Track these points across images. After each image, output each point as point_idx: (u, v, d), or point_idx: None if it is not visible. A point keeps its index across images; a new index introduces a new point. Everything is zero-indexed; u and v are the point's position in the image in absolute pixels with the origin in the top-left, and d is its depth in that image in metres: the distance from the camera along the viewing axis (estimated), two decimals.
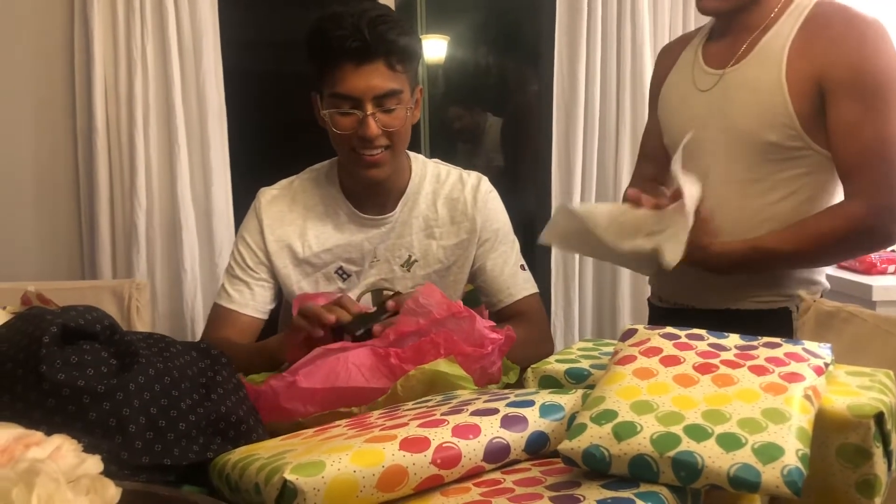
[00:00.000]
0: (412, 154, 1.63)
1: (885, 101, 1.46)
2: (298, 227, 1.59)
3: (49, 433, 0.78)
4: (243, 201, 2.38)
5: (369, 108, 1.44)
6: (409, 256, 1.60)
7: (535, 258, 2.80)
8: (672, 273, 1.58)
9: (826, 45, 1.47)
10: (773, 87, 1.50)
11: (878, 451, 0.84)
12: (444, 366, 1.08)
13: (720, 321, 1.39)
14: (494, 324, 1.22)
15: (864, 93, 1.45)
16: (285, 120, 2.98)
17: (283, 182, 1.65)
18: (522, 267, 1.65)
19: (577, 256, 2.77)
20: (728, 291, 1.60)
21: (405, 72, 1.48)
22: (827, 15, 1.51)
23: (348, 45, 1.42)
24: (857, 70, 1.45)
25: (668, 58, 1.78)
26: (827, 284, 1.69)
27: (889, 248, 1.64)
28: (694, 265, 1.50)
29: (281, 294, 1.62)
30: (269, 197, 1.62)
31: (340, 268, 1.59)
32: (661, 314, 1.74)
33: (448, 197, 1.62)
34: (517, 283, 1.62)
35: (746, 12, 1.56)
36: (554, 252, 2.80)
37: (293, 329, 1.30)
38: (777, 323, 1.60)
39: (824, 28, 1.49)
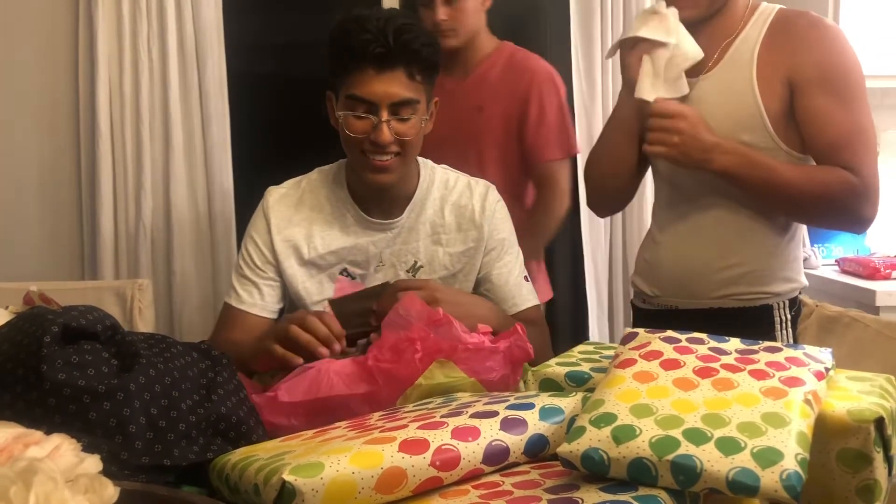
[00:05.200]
0: (421, 159, 1.63)
1: (854, 94, 1.55)
2: (305, 228, 1.59)
3: (49, 432, 0.78)
4: (245, 203, 2.39)
5: (384, 115, 1.44)
6: (415, 262, 1.60)
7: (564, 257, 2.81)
8: (658, 266, 1.71)
9: (793, 47, 1.56)
10: (745, 88, 1.57)
11: (879, 456, 0.84)
12: (439, 376, 1.09)
13: (704, 321, 1.40)
14: (490, 329, 1.22)
15: (834, 87, 1.54)
16: (288, 123, 2.99)
17: (291, 181, 1.65)
18: (526, 278, 1.65)
19: (596, 260, 2.76)
20: (711, 284, 1.63)
21: (424, 82, 1.48)
22: (791, 19, 1.60)
23: (371, 50, 1.41)
24: (826, 67, 1.54)
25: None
26: (806, 282, 1.71)
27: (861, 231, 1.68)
28: (692, 161, 1.55)
29: (288, 294, 1.62)
30: (277, 196, 1.62)
31: (345, 270, 1.59)
32: (646, 316, 1.75)
33: (456, 204, 1.62)
34: (522, 293, 1.62)
35: (716, 21, 1.62)
36: (586, 260, 2.79)
37: (271, 352, 1.29)
38: (759, 320, 1.63)
39: (790, 31, 1.58)
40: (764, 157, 1.55)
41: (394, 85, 1.43)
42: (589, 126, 2.73)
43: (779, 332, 1.64)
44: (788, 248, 1.66)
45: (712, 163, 1.53)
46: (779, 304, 1.64)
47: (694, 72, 1.63)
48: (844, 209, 1.58)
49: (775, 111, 1.56)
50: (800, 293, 1.69)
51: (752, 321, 1.62)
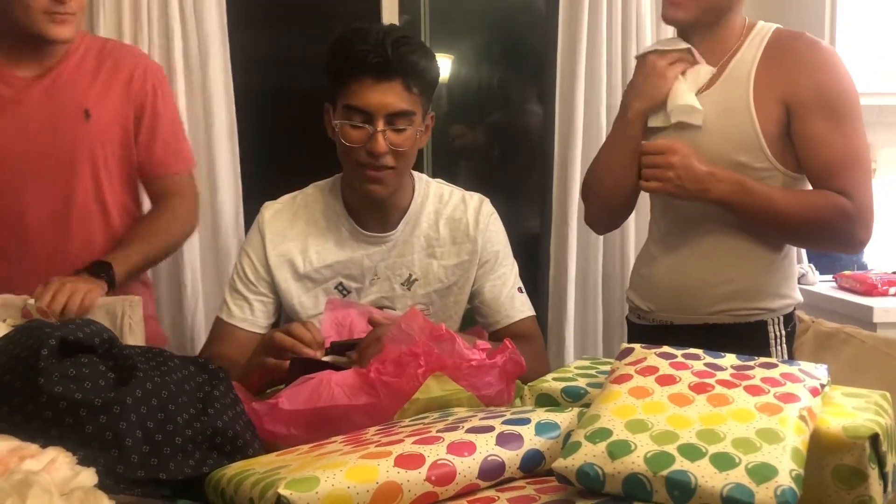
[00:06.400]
0: (416, 173, 1.65)
1: (850, 118, 1.58)
2: (300, 243, 1.59)
3: (46, 446, 0.79)
4: (253, 217, 2.39)
5: (380, 125, 1.46)
6: (410, 275, 1.61)
7: (537, 278, 2.81)
8: (653, 281, 1.72)
9: (790, 69, 1.58)
10: (742, 108, 1.59)
11: (874, 473, 0.84)
12: (436, 389, 1.09)
13: (698, 336, 1.40)
14: (489, 346, 1.22)
15: (830, 110, 1.56)
16: (295, 136, 3.00)
17: (287, 197, 1.67)
18: (520, 289, 1.66)
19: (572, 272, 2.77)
20: (706, 300, 1.64)
21: (420, 95, 1.50)
22: (787, 41, 1.62)
23: (369, 60, 1.44)
24: (822, 90, 1.57)
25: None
26: (800, 298, 1.73)
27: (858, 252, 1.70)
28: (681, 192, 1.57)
29: (281, 309, 1.62)
30: (273, 211, 1.63)
31: (340, 283, 1.60)
32: (641, 332, 1.76)
33: (450, 217, 1.63)
34: (514, 305, 1.63)
35: (712, 38, 1.64)
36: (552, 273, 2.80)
37: (262, 364, 1.31)
38: (754, 336, 1.64)
39: (787, 53, 1.60)
40: (759, 185, 1.57)
41: (390, 95, 1.46)
42: (568, 142, 2.75)
43: (773, 348, 1.65)
44: (783, 265, 1.67)
45: (708, 193, 1.56)
46: (773, 320, 1.66)
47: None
48: (838, 233, 1.60)
49: (771, 132, 1.57)
50: (794, 309, 1.70)
51: (746, 337, 1.63)
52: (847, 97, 1.58)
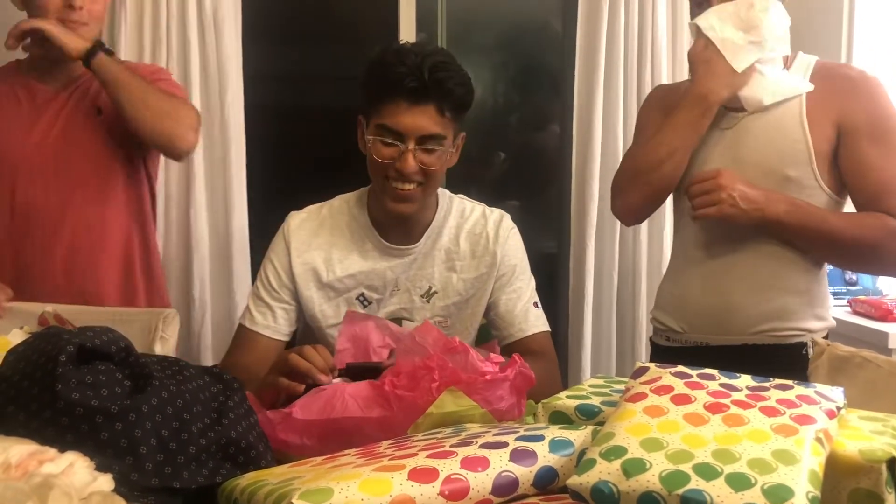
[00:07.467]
0: (439, 189, 1.67)
1: None
2: (324, 252, 1.62)
3: (62, 451, 0.79)
4: (261, 232, 2.40)
5: (411, 145, 1.49)
6: (430, 287, 1.63)
7: (553, 297, 2.81)
8: (686, 300, 1.70)
9: (843, 93, 1.61)
10: (794, 124, 1.61)
11: (891, 497, 0.83)
12: (450, 404, 1.09)
13: (735, 358, 1.38)
14: (503, 359, 1.22)
15: (882, 136, 1.60)
16: (306, 152, 3.02)
17: (313, 207, 1.69)
18: (536, 304, 1.67)
19: (590, 293, 2.76)
20: (746, 320, 1.64)
21: (453, 119, 1.53)
22: (835, 69, 1.67)
23: (406, 84, 1.46)
24: (874, 116, 1.60)
25: (669, 96, 1.77)
26: (833, 322, 1.72)
27: None
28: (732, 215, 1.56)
29: (302, 317, 1.63)
30: (298, 220, 1.65)
31: (362, 294, 1.61)
32: (669, 354, 1.72)
33: (471, 232, 1.65)
34: (528, 319, 1.63)
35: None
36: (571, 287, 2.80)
37: (275, 384, 1.30)
38: (792, 358, 1.63)
39: (838, 78, 1.64)
40: (813, 205, 1.59)
41: (423, 119, 1.48)
42: (585, 162, 2.76)
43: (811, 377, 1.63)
44: (818, 286, 1.67)
45: (764, 211, 1.56)
46: (812, 343, 1.64)
47: (739, 107, 1.65)
48: (890, 255, 1.61)
49: (821, 151, 1.60)
50: (827, 335, 1.69)
51: (785, 359, 1.62)
52: (894, 122, 1.61)
